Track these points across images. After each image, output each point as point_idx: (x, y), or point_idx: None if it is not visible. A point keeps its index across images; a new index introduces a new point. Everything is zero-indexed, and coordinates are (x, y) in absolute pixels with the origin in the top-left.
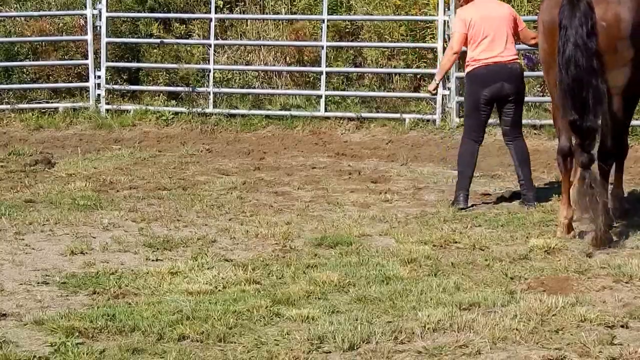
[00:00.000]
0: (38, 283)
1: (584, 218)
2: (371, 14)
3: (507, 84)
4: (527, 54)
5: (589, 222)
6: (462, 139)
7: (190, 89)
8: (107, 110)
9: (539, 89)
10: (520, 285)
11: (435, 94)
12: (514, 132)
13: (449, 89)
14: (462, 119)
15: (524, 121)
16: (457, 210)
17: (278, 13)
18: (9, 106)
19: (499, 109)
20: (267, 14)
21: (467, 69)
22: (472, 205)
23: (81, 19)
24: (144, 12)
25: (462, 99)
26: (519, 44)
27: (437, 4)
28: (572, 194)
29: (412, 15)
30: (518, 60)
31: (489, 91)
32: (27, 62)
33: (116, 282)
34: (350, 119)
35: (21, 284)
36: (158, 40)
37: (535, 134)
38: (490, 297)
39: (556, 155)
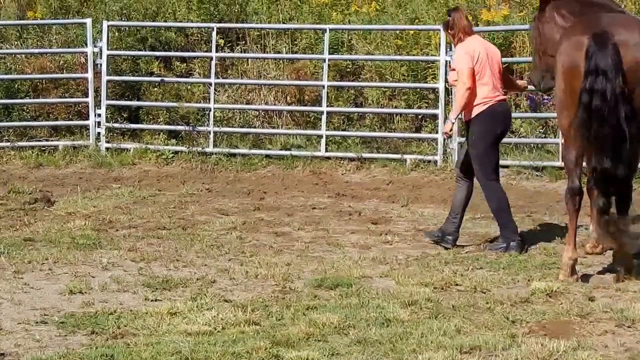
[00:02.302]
0: (37, 322)
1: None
2: (372, 54)
3: (509, 124)
4: (530, 95)
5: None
6: (487, 185)
7: (191, 128)
8: (107, 149)
9: (540, 130)
10: (521, 329)
11: (451, 135)
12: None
13: (451, 129)
14: None
15: (525, 162)
16: (457, 253)
17: (279, 52)
18: (9, 144)
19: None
20: (268, 53)
21: (482, 108)
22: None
23: (82, 57)
24: (145, 50)
25: (463, 139)
26: None
27: (439, 44)
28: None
29: (414, 55)
30: None
31: (502, 129)
32: (27, 100)
33: (115, 322)
34: (350, 159)
35: (20, 323)
36: (158, 79)
37: (537, 175)
38: (492, 340)
39: (565, 195)
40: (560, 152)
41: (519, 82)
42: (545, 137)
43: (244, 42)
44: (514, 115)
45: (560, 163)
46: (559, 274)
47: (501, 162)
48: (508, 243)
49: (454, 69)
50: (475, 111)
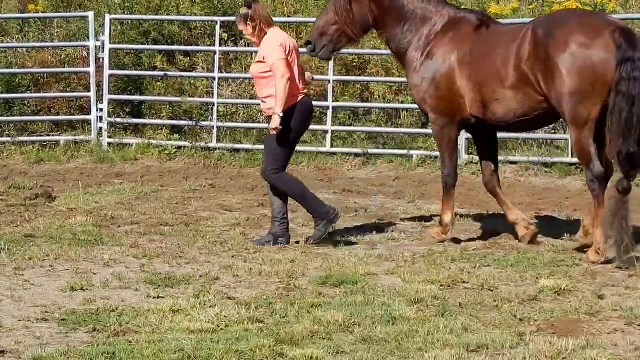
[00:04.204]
0: (37, 319)
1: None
2: (379, 48)
3: (312, 118)
4: None
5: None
6: (278, 178)
7: (194, 123)
8: (109, 144)
9: (549, 126)
10: (529, 327)
11: (278, 131)
12: None
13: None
14: (470, 156)
15: (534, 158)
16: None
17: None
18: (9, 139)
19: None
20: None
21: (292, 101)
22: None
23: (84, 51)
24: (148, 44)
25: (470, 136)
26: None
27: None
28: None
29: None
30: None
31: (308, 124)
32: (28, 94)
33: (117, 320)
34: (356, 154)
35: (20, 321)
36: (161, 73)
37: (546, 172)
38: (499, 339)
39: (590, 182)
40: (572, 146)
41: (306, 74)
42: (554, 133)
43: None
44: None
45: (569, 159)
46: (590, 256)
47: (509, 158)
48: (333, 212)
49: (259, 61)
50: (291, 102)
